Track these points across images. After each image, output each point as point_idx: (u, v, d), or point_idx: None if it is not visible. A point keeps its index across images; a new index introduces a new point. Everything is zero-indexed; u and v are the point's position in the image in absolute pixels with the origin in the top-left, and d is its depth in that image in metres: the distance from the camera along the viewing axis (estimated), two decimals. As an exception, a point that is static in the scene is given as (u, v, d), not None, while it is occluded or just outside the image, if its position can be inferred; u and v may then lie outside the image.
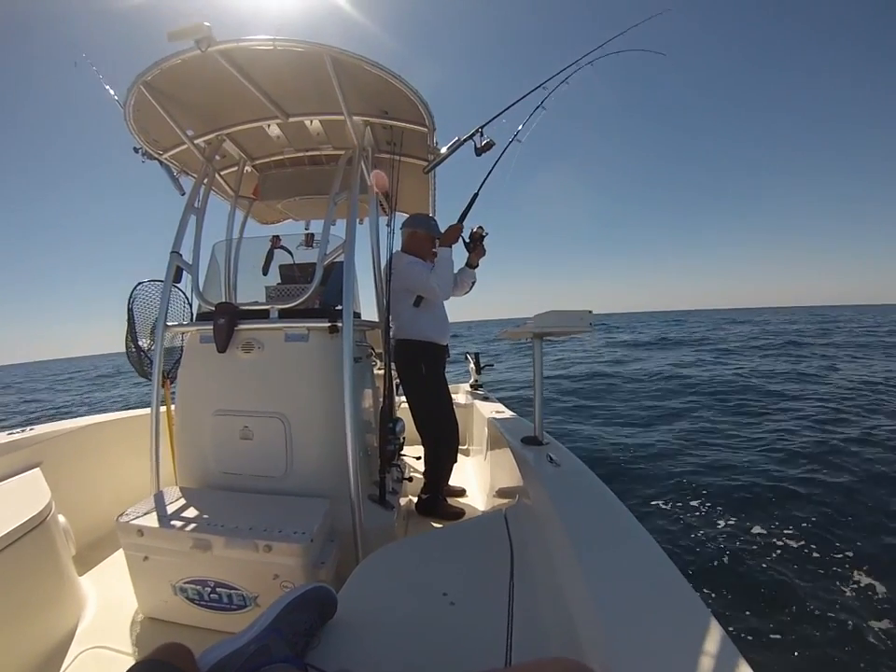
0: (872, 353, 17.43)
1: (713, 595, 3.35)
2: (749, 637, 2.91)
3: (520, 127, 2.90)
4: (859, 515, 4.48)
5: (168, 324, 2.48)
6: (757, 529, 4.30)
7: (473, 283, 3.16)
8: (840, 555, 3.81)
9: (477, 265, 3.11)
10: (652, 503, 4.94)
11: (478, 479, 3.55)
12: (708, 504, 4.85)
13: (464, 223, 2.94)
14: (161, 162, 2.94)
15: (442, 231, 2.96)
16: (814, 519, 4.43)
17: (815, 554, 3.85)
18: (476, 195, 2.96)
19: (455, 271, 2.95)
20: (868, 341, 22.03)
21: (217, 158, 2.94)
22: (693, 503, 4.89)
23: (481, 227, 3.01)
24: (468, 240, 3.00)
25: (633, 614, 0.93)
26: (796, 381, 11.81)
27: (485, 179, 3.00)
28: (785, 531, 4.24)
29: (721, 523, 4.47)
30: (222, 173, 3.17)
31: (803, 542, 4.04)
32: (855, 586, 3.41)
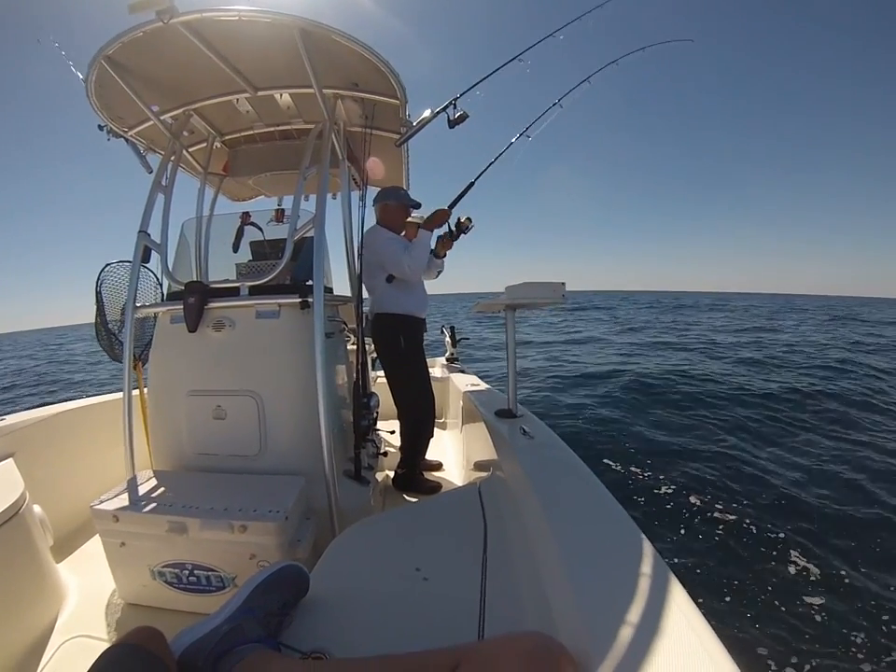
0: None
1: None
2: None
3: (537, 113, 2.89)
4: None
5: (137, 305, 2.44)
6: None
7: (440, 272, 3.19)
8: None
9: (444, 256, 3.12)
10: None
11: (454, 452, 3.58)
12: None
13: (452, 210, 2.93)
14: (126, 140, 2.85)
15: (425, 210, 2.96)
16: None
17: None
18: (472, 184, 2.93)
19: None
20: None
21: (185, 134, 2.86)
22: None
23: (469, 218, 2.98)
24: (453, 227, 2.98)
25: (604, 588, 0.94)
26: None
27: (484, 170, 2.98)
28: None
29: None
30: (191, 149, 3.09)
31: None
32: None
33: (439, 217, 2.88)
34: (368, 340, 2.95)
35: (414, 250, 2.75)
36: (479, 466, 2.42)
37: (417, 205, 3.04)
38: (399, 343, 2.84)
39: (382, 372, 3.01)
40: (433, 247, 3.07)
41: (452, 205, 2.94)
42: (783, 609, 2.89)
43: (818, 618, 2.81)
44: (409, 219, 3.21)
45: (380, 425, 2.84)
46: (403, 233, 3.01)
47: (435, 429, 3.05)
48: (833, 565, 3.30)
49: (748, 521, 3.87)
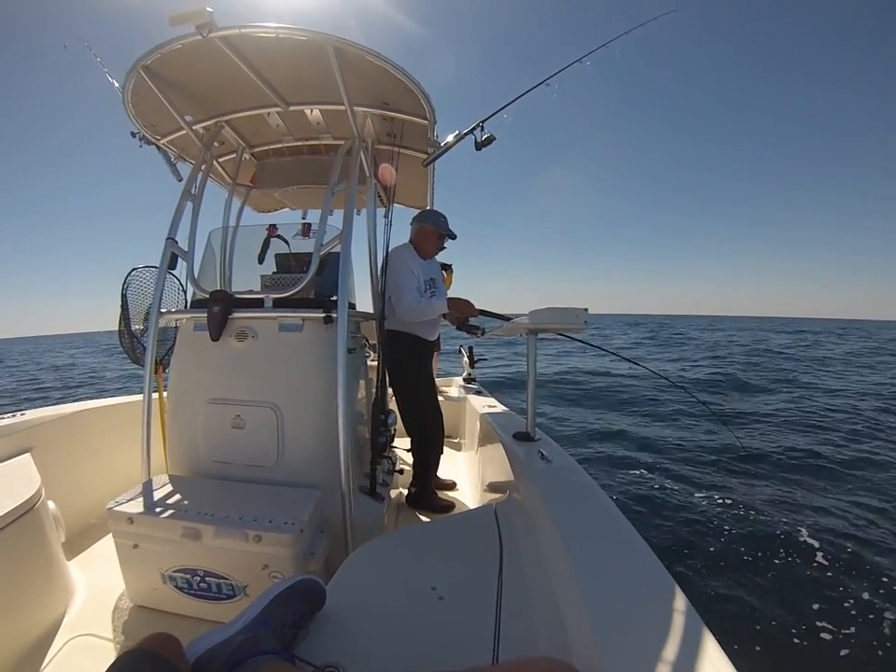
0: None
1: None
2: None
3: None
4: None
5: (162, 311, 2.46)
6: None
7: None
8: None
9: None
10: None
11: (469, 473, 3.56)
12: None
13: (479, 314, 2.97)
14: (158, 148, 2.91)
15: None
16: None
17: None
18: (508, 318, 3.00)
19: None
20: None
21: (216, 144, 2.91)
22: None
23: (484, 332, 3.03)
24: (464, 323, 3.04)
25: (620, 613, 0.93)
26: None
27: (519, 316, 3.11)
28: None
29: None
30: (220, 160, 3.14)
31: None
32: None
33: (462, 308, 2.91)
34: None
35: (422, 304, 2.78)
36: (494, 487, 2.41)
37: (453, 236, 3.09)
38: (402, 361, 2.87)
39: None
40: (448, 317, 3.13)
41: (483, 312, 2.98)
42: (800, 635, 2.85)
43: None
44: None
45: (397, 442, 2.85)
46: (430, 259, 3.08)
47: (450, 449, 3.05)
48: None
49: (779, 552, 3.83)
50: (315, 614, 1.26)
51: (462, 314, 2.94)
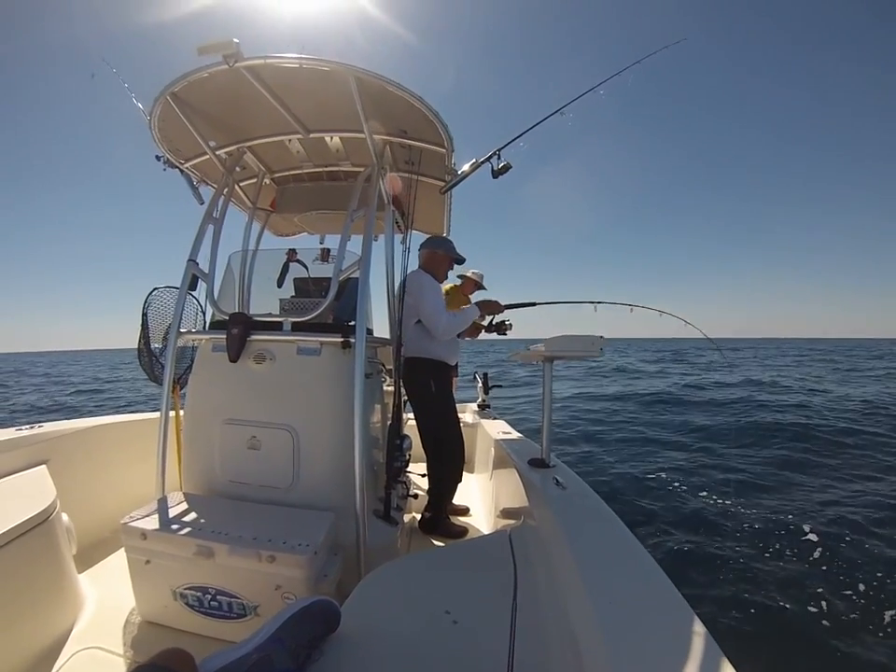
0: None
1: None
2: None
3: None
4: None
5: (181, 330, 2.50)
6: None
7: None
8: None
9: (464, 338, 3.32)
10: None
11: (482, 498, 3.55)
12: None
13: (505, 310, 3.21)
14: (182, 171, 2.99)
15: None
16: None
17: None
18: (534, 304, 3.21)
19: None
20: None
21: (238, 169, 2.98)
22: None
23: (511, 325, 3.29)
24: (494, 322, 3.29)
25: (636, 639, 0.94)
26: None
27: (549, 302, 3.34)
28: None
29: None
30: (241, 184, 3.21)
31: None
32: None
33: (492, 307, 3.12)
34: None
35: (457, 317, 2.86)
36: (508, 513, 2.40)
37: (462, 260, 3.17)
38: (430, 387, 2.89)
39: (412, 415, 3.05)
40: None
41: (508, 306, 3.18)
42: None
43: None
44: (470, 273, 3.64)
45: (411, 467, 2.86)
46: (444, 283, 3.17)
47: (463, 474, 3.05)
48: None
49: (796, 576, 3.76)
50: (330, 636, 1.26)
51: (491, 312, 3.14)
